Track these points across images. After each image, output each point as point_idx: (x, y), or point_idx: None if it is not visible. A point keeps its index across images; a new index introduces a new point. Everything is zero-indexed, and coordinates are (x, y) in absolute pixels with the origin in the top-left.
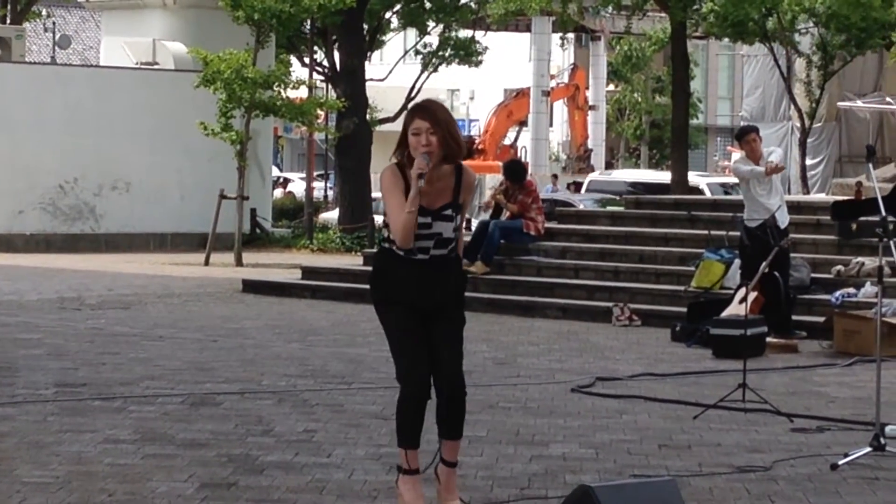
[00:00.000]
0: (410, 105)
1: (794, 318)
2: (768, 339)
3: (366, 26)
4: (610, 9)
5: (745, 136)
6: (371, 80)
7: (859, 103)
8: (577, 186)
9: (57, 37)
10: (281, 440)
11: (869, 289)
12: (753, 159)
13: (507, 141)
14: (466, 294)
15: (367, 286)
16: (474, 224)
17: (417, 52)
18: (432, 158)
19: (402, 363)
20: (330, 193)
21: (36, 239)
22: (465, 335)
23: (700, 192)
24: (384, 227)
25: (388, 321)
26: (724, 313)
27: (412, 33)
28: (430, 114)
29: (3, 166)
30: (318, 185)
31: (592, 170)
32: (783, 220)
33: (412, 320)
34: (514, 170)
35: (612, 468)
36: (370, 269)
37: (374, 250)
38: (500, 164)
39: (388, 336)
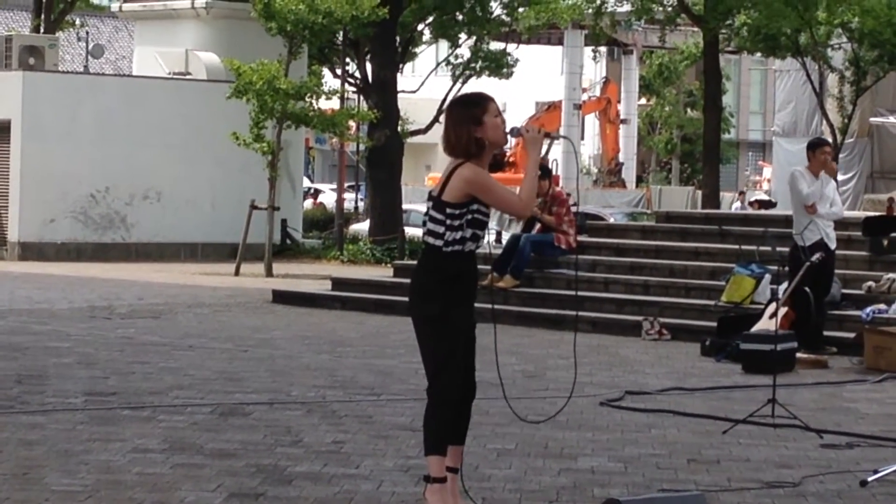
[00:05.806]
0: (453, 101)
1: (825, 333)
2: (798, 355)
3: (398, 38)
4: (642, 22)
5: (818, 147)
6: (403, 91)
7: (891, 119)
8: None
9: (90, 46)
10: (310, 451)
11: None
12: (817, 173)
13: None
14: (496, 307)
15: (423, 300)
16: (504, 237)
17: (449, 64)
18: None
19: (453, 369)
20: (360, 205)
21: (67, 248)
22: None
23: None
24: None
25: (452, 327)
26: (755, 328)
27: (444, 45)
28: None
29: (34, 175)
30: (349, 197)
31: (623, 184)
32: (832, 238)
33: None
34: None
35: (640, 482)
36: (430, 280)
37: (430, 261)
38: None
39: (447, 344)
